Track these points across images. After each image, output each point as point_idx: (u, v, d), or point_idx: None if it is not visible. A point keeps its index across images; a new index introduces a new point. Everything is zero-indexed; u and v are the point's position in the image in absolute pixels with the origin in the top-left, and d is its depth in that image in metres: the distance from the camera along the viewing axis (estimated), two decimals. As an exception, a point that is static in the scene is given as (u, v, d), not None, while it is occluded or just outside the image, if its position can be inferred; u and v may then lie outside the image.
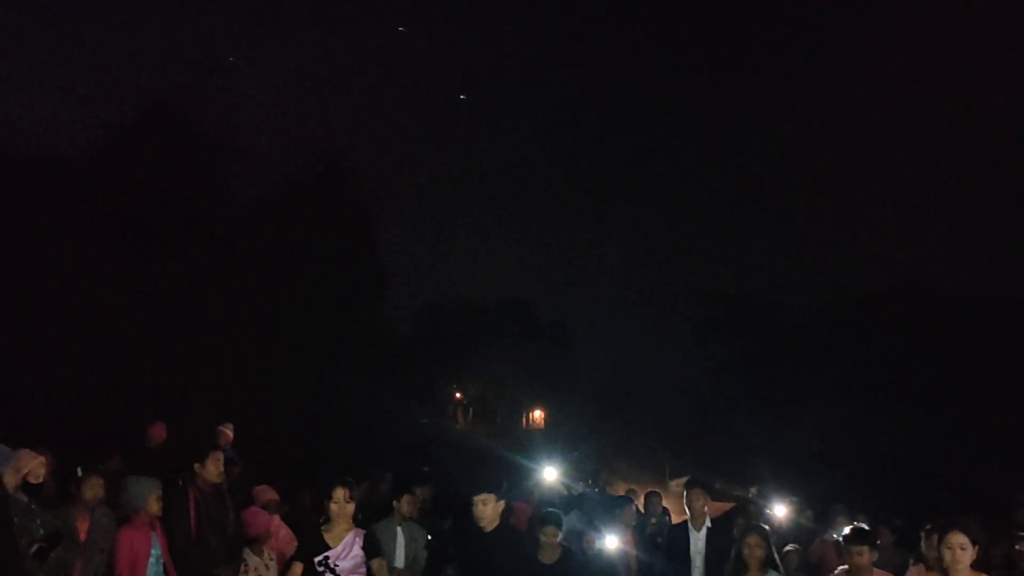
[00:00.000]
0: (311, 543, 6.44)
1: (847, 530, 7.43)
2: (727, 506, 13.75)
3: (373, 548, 6.53)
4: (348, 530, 6.46)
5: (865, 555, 7.08)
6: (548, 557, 7.12)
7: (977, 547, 5.71)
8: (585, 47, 73.74)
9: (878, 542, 7.37)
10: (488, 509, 6.49)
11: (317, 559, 6.32)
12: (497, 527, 6.57)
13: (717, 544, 8.15)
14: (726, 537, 8.17)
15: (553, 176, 70.60)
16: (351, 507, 6.45)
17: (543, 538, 7.17)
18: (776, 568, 7.18)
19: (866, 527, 7.46)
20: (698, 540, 8.34)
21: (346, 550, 6.38)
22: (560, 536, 7.22)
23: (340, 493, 6.42)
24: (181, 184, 22.43)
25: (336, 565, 6.31)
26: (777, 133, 61.35)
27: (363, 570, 6.43)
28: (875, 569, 7.18)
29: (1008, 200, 42.70)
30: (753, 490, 12.82)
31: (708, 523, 8.42)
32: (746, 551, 7.09)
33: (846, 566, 7.23)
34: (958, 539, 5.64)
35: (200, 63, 27.06)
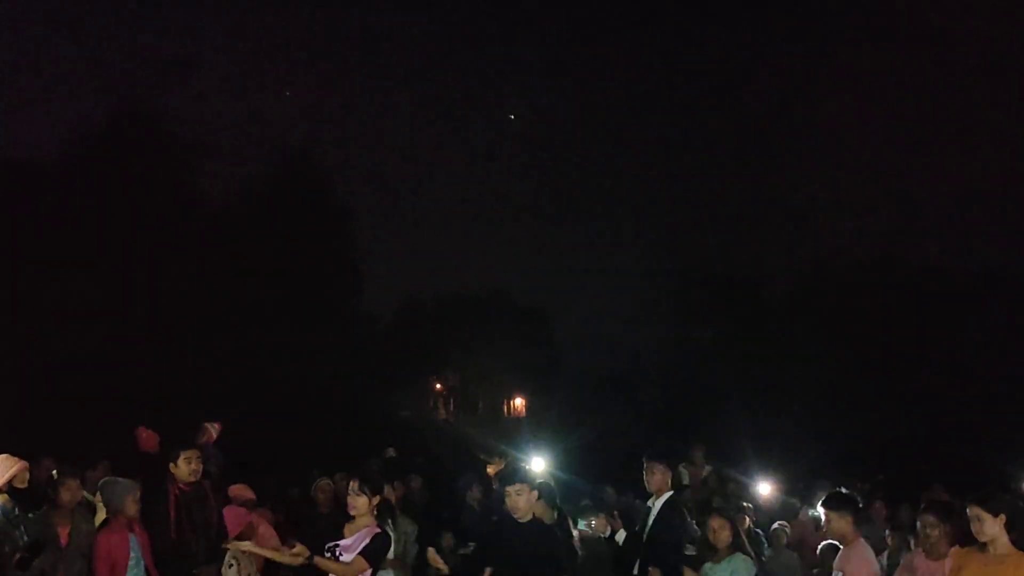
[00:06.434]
0: (330, 534, 6.36)
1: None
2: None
3: (377, 552, 6.24)
4: (367, 524, 6.30)
5: (835, 521, 6.45)
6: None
7: (1001, 516, 5.38)
8: (555, 29, 73.64)
9: (860, 507, 6.78)
10: (522, 500, 6.18)
11: (328, 545, 6.26)
12: (532, 520, 6.26)
13: (662, 515, 7.85)
14: (672, 509, 7.97)
15: (529, 164, 70.44)
16: (363, 499, 6.25)
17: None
18: (745, 551, 6.90)
19: (844, 491, 6.97)
20: (653, 513, 8.22)
21: (357, 543, 6.25)
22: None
23: (351, 485, 6.33)
24: (154, 184, 22.28)
25: (341, 555, 6.23)
26: (748, 108, 61.45)
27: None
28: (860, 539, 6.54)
29: (984, 171, 43.02)
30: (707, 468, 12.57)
31: (666, 496, 8.18)
32: (711, 535, 6.92)
33: (831, 541, 6.97)
34: (974, 511, 5.44)
35: (170, 63, 26.93)
